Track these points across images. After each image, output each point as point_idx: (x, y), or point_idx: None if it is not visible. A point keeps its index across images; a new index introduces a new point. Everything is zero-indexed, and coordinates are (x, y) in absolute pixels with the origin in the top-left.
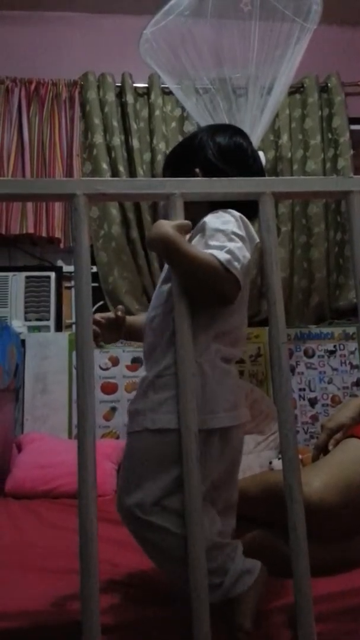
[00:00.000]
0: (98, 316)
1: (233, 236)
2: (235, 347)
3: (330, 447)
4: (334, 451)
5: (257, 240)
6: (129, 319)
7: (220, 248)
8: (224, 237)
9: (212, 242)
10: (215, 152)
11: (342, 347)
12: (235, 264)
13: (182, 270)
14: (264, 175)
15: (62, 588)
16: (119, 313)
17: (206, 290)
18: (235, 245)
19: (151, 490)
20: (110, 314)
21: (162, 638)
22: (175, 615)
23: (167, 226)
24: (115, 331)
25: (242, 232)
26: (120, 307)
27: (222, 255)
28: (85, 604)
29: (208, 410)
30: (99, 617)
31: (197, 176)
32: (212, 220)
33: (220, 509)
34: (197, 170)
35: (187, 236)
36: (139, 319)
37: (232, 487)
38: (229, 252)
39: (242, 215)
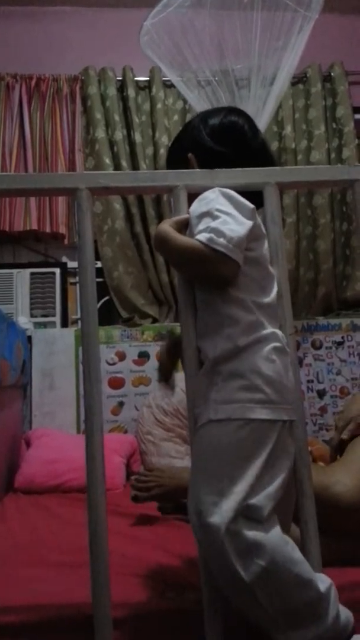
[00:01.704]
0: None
1: (217, 213)
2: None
3: (344, 436)
4: (355, 448)
5: (251, 206)
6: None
7: (205, 230)
8: (207, 218)
9: (198, 228)
10: (208, 134)
11: (350, 338)
12: (221, 240)
13: (174, 261)
14: (266, 154)
15: (75, 582)
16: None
17: (202, 275)
18: (220, 221)
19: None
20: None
21: (174, 630)
22: (186, 607)
23: (165, 223)
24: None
25: (225, 207)
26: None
27: (203, 236)
28: (96, 598)
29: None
30: (110, 610)
31: (191, 162)
32: (195, 206)
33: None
34: (190, 155)
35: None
36: None
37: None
38: (212, 230)
39: (227, 189)
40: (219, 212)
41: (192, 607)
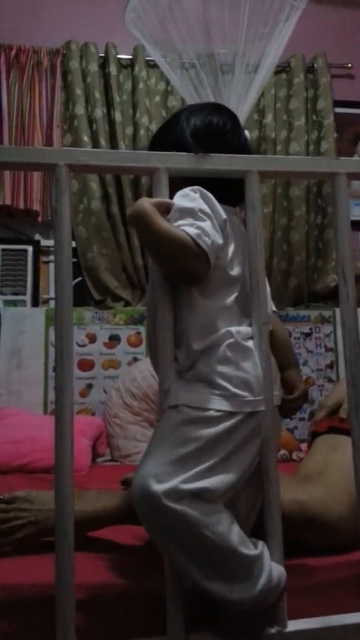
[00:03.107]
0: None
1: (201, 214)
2: None
3: (342, 415)
4: (333, 455)
5: (224, 217)
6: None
7: (192, 225)
8: (191, 216)
9: (181, 222)
10: (190, 134)
11: (317, 329)
12: (206, 239)
13: (152, 245)
14: (248, 153)
15: (37, 561)
16: None
17: (175, 267)
18: (205, 223)
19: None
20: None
21: (137, 612)
22: (149, 589)
23: (145, 201)
24: None
25: (208, 210)
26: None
27: (192, 230)
28: (60, 579)
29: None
30: (74, 591)
31: None
32: (179, 199)
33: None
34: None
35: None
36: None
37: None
38: (199, 227)
39: (208, 192)
40: (203, 214)
41: (155, 589)
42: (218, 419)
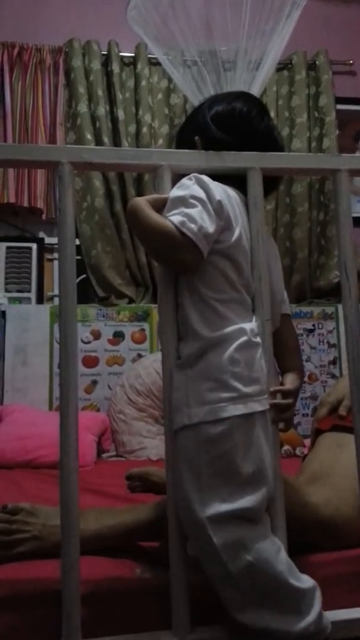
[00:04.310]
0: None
1: (192, 200)
2: None
3: (342, 412)
4: (340, 455)
5: (217, 198)
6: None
7: (179, 214)
8: (182, 204)
9: (173, 211)
10: (212, 118)
11: (320, 326)
12: (192, 226)
13: (141, 237)
14: (272, 140)
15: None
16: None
17: (162, 257)
18: (195, 209)
19: None
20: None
21: (142, 607)
22: (154, 584)
23: (140, 198)
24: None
25: (200, 195)
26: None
27: (177, 218)
28: (66, 574)
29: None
30: (79, 586)
31: (197, 145)
32: (174, 190)
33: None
34: (197, 138)
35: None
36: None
37: None
38: (185, 215)
39: (204, 177)
40: (195, 200)
41: (161, 584)
42: (236, 427)
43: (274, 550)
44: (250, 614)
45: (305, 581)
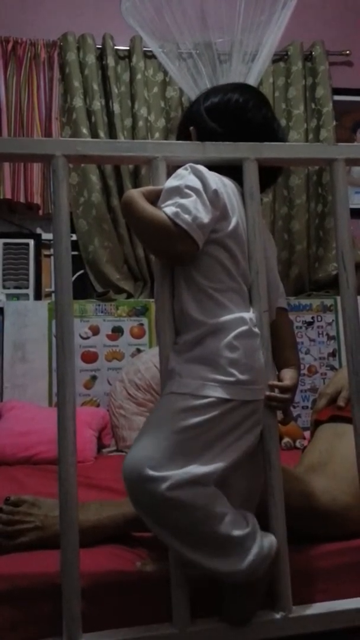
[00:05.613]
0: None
1: (187, 190)
2: None
3: (341, 403)
4: (338, 445)
5: (213, 187)
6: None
7: (173, 204)
8: (177, 194)
9: (167, 202)
10: (206, 109)
11: (319, 318)
12: (186, 217)
13: (136, 229)
14: (271, 129)
15: (43, 552)
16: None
17: (156, 248)
18: (189, 199)
19: None
20: None
21: (142, 600)
22: (154, 576)
23: (133, 190)
24: None
25: (195, 185)
26: None
27: (171, 209)
28: (65, 568)
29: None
30: (79, 580)
31: (192, 135)
32: (169, 180)
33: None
34: (192, 128)
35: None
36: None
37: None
38: (179, 206)
39: (200, 166)
40: (190, 190)
41: (161, 577)
42: (216, 405)
43: (219, 504)
44: (200, 560)
45: (247, 524)
